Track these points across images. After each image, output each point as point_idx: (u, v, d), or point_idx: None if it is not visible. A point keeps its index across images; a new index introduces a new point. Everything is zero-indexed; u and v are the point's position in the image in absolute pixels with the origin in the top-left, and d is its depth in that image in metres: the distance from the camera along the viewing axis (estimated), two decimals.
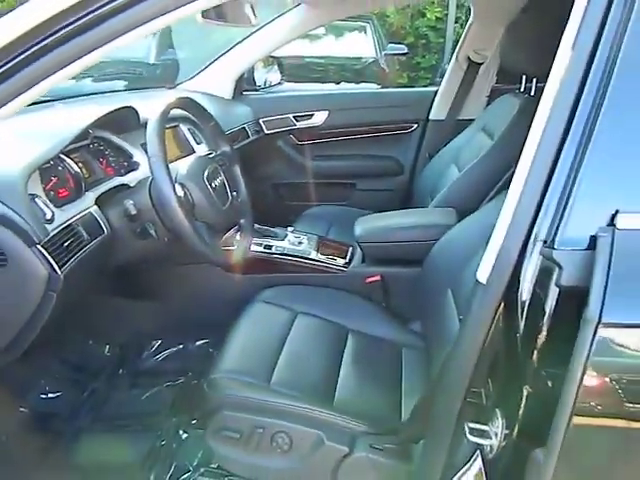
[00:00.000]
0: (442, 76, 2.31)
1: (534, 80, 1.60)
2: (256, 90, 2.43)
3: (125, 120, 1.40)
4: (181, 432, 1.37)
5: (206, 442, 1.11)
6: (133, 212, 1.17)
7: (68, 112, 1.24)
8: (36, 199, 1.02)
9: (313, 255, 1.59)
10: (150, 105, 1.30)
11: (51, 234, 1.00)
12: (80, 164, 1.22)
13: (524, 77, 1.66)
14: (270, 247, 1.59)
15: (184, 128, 1.70)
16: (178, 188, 1.15)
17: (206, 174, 1.23)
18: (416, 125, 2.29)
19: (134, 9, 0.74)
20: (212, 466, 1.19)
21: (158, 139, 1.09)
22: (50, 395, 1.54)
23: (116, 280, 1.49)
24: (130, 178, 1.36)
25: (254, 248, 1.56)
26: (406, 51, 5.63)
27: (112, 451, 1.33)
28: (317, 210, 2.17)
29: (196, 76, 2.25)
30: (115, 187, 1.28)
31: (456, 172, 1.76)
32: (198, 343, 1.67)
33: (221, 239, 1.34)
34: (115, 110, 1.34)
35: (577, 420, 0.62)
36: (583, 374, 0.59)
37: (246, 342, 1.29)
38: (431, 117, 2.26)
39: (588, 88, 0.65)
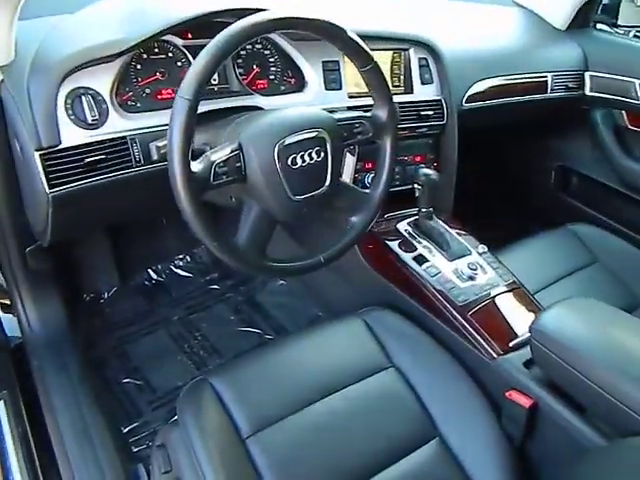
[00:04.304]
0: None
1: None
2: (614, 25, 1.62)
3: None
4: None
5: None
6: (155, 157, 0.87)
7: None
8: (83, 96, 0.82)
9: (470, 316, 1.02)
10: None
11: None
12: None
13: None
14: (421, 263, 1.10)
15: (414, 57, 1.21)
16: (227, 151, 0.76)
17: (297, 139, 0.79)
18: None
19: None
20: None
21: None
22: (178, 272, 1.57)
23: None
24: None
25: (400, 252, 1.13)
26: None
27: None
28: (581, 230, 1.41)
29: None
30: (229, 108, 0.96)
31: None
32: None
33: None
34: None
35: None
36: None
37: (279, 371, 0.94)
38: None
39: None
